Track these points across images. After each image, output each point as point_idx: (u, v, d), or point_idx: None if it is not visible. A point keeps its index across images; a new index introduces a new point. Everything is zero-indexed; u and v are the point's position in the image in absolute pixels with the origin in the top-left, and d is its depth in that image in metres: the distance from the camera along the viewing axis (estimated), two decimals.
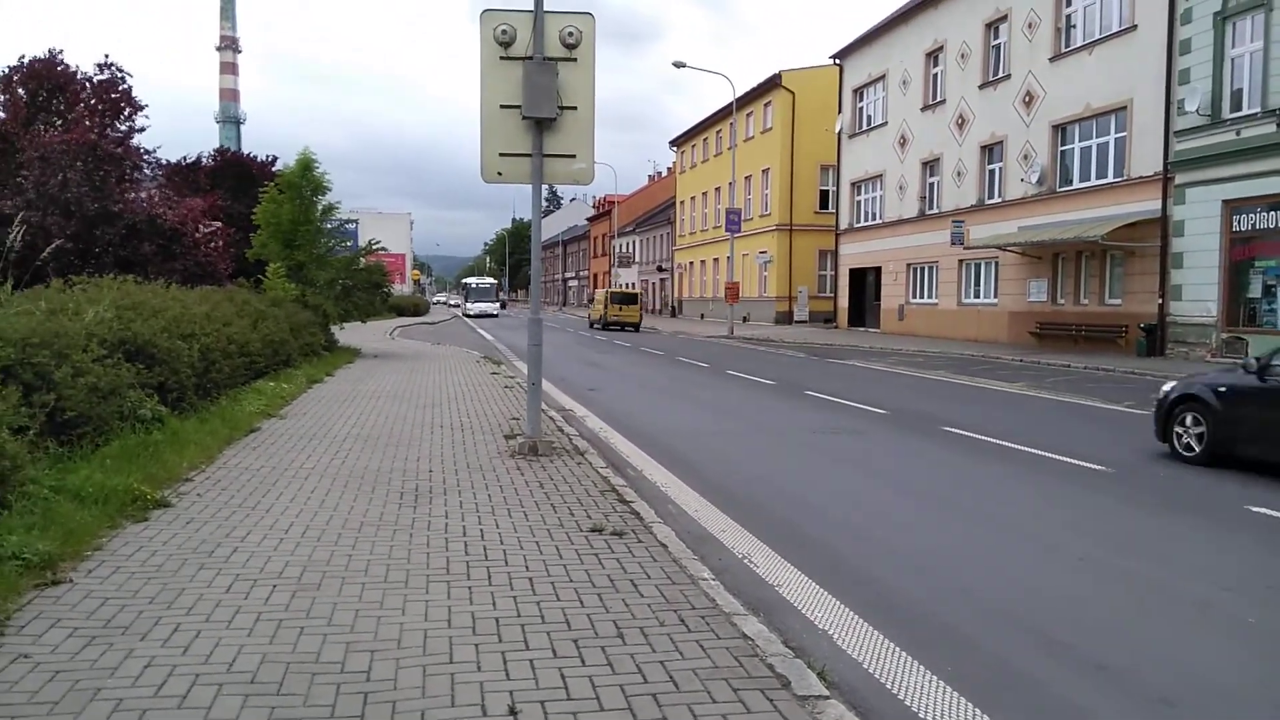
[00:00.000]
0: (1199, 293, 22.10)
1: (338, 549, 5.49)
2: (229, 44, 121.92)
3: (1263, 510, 7.21)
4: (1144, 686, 4.03)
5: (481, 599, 4.67)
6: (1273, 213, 20.36)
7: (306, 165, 20.68)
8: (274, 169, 31.15)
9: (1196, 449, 9.15)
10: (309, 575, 4.99)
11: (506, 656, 3.94)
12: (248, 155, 34.85)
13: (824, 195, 45.59)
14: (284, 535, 5.75)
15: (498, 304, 66.49)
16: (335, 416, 11.18)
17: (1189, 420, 9.30)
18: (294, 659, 3.87)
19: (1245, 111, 20.86)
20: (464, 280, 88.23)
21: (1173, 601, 5.21)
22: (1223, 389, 9.04)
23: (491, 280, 74.03)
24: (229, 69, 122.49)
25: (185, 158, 31.15)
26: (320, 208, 21.23)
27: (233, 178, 31.32)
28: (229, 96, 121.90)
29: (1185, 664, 4.30)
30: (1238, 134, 20.92)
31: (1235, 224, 21.33)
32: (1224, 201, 21.39)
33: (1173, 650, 4.46)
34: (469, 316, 60.40)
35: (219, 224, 24.53)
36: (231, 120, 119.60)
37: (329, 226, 21.96)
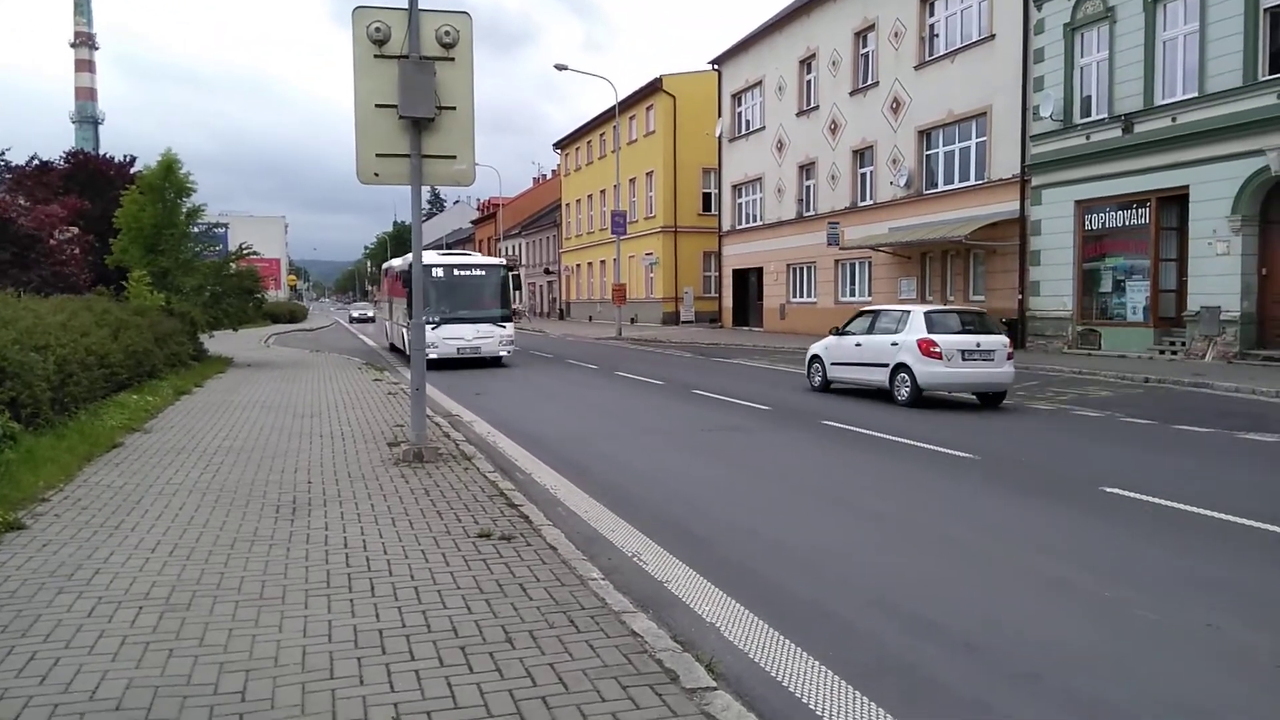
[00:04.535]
0: (1056, 288, 23.43)
1: (209, 566, 5.26)
2: (84, 40, 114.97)
3: (1115, 490, 7.69)
4: (1011, 662, 4.24)
5: (364, 611, 4.55)
6: (1121, 212, 21.77)
7: (169, 166, 19.77)
8: (133, 170, 29.64)
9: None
10: (178, 595, 4.76)
11: (391, 668, 3.85)
12: (104, 156, 33.01)
13: (706, 198, 46.29)
14: (150, 554, 5.48)
15: (508, 326, 22.51)
16: (205, 429, 10.71)
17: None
18: (163, 682, 3.69)
19: (1095, 117, 22.24)
20: (389, 264, 32.90)
21: (1034, 581, 5.50)
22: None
23: (497, 260, 24.15)
24: (85, 66, 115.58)
25: (34, 158, 29.26)
26: (185, 210, 20.32)
27: (87, 180, 29.61)
28: (85, 95, 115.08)
29: (1048, 639, 4.54)
30: (1088, 138, 22.28)
31: (1087, 223, 22.71)
32: (1076, 202, 22.75)
33: (1036, 627, 4.71)
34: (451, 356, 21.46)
35: (76, 229, 23.15)
36: (89, 120, 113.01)
37: (195, 230, 21.03)
